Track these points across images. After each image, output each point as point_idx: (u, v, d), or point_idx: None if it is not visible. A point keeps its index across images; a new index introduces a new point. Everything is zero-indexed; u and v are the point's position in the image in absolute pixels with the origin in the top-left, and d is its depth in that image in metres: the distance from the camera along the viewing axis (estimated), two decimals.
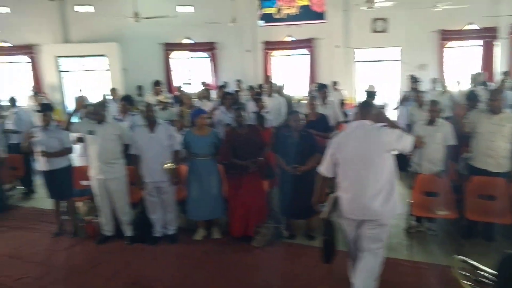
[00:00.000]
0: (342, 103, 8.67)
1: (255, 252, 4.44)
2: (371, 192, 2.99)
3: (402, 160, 4.76)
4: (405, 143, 3.06)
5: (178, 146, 4.60)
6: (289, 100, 8.17)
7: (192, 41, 12.68)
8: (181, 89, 10.80)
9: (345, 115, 7.43)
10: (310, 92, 8.57)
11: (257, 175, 4.65)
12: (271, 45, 12.45)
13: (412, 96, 6.62)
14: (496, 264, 2.01)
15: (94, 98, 8.94)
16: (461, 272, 2.23)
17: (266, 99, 7.23)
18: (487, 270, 2.12)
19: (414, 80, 8.02)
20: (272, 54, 12.67)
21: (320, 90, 6.66)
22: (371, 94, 7.55)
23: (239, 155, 4.57)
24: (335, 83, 10.11)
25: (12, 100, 6.91)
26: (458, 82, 8.60)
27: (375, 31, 11.60)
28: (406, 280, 3.87)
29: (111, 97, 7.77)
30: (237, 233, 4.64)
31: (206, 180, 4.61)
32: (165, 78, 12.48)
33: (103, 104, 4.59)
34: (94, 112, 4.56)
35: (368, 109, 3.19)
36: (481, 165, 4.39)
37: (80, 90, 10.52)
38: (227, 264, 4.25)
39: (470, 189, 4.40)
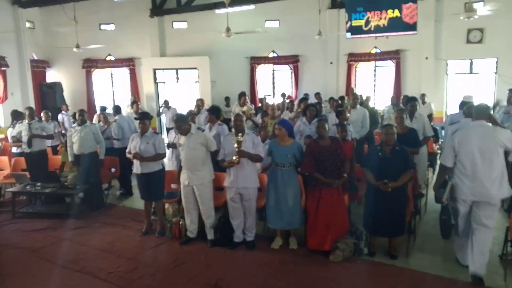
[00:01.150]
0: (431, 117, 8.20)
1: (332, 267, 4.36)
2: (490, 179, 3.72)
3: None
4: None
5: (263, 154, 4.72)
6: (373, 112, 7.95)
7: (277, 55, 12.98)
8: (265, 100, 11.09)
9: (434, 129, 7.01)
10: (397, 105, 8.25)
11: (338, 189, 4.59)
12: (355, 57, 12.28)
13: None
14: None
15: (183, 108, 9.63)
16: None
17: (348, 111, 7.13)
18: None
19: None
20: (356, 66, 12.46)
21: (408, 103, 6.39)
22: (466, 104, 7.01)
23: (320, 168, 4.56)
24: (423, 96, 9.59)
25: (117, 108, 7.64)
26: None
27: (470, 42, 10.82)
28: None
29: (197, 108, 8.22)
30: (314, 245, 4.62)
31: (285, 190, 4.67)
32: (250, 90, 12.93)
33: (184, 119, 4.87)
34: (177, 127, 4.86)
35: (485, 111, 3.92)
36: None
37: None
38: (304, 276, 4.23)
39: None
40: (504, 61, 10.63)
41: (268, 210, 4.81)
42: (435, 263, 4.38)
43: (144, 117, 5.31)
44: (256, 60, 13.14)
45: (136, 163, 5.21)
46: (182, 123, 4.78)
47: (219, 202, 5.12)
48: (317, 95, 10.68)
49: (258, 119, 7.36)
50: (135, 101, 9.87)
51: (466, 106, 5.48)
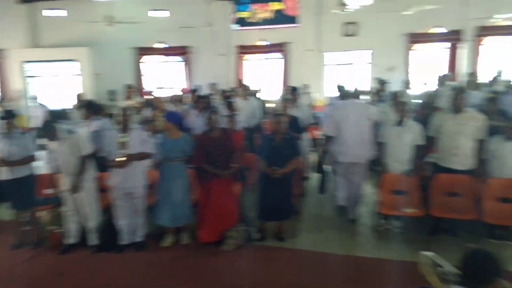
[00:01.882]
0: (312, 106, 8.77)
1: (225, 256, 4.39)
2: (359, 144, 4.79)
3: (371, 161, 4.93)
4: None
5: (152, 150, 4.50)
6: (263, 103, 8.19)
7: (167, 46, 12.58)
8: (153, 93, 10.67)
9: (315, 117, 7.50)
10: (282, 95, 8.64)
11: (228, 179, 4.61)
12: (244, 49, 12.47)
13: (388, 96, 6.74)
14: (460, 259, 2.04)
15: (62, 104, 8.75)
16: (427, 267, 2.27)
17: (239, 102, 7.23)
18: (450, 266, 2.18)
19: (381, 82, 8.25)
20: (245, 58, 12.69)
21: (291, 93, 6.70)
22: (341, 89, 7.68)
23: (211, 159, 4.53)
24: (305, 86, 10.19)
25: None
26: (425, 84, 8.84)
27: (346, 35, 11.77)
28: (372, 277, 3.91)
29: (78, 104, 7.54)
30: (205, 238, 4.58)
31: (174, 185, 4.54)
32: (136, 82, 12.30)
33: (48, 125, 4.40)
34: (41, 135, 4.42)
35: (357, 93, 5.26)
36: (446, 163, 4.49)
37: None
38: (196, 269, 4.18)
39: (435, 187, 4.50)
40: (377, 53, 11.62)
41: (158, 207, 4.62)
42: (320, 241, 4.69)
43: (7, 116, 4.69)
44: (142, 51, 12.50)
45: (2, 168, 4.58)
46: (46, 130, 4.35)
47: (103, 203, 4.75)
48: (213, 85, 10.63)
49: (148, 112, 7.04)
50: (2, 99, 8.68)
51: (341, 90, 6.32)
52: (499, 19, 10.21)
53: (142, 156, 4.42)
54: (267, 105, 8.46)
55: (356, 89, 5.36)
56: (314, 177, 6.36)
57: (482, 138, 4.39)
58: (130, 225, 4.62)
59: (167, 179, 4.54)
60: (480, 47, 10.64)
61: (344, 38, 11.79)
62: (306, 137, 6.19)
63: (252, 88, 8.48)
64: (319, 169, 6.00)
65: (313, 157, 6.57)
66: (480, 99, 6.15)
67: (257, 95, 8.72)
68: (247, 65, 12.84)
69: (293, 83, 10.96)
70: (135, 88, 10.84)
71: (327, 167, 5.78)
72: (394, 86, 8.81)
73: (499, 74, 8.20)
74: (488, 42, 10.67)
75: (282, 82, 12.15)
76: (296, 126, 5.52)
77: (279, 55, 12.38)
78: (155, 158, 4.59)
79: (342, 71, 12.25)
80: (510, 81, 7.55)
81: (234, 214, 4.66)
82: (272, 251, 4.52)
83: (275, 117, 4.63)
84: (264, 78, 12.70)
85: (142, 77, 12.68)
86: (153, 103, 7.18)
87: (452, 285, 2.00)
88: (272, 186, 4.47)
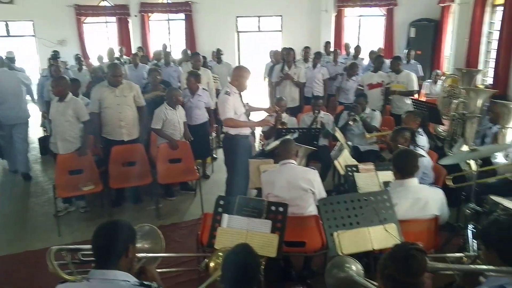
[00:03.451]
0: None
1: None
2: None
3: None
4: None
5: None
6: None
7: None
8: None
9: None
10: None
11: None
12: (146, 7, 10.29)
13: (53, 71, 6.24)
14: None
15: None
16: (60, 261, 1.92)
17: None
18: (87, 248, 1.95)
19: (54, 56, 7.80)
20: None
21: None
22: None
23: None
24: None
25: None
26: (100, 58, 8.81)
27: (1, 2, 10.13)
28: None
29: None
30: None
31: None
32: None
33: None
34: None
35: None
36: (116, 136, 4.59)
37: None
38: None
39: (111, 159, 4.57)
40: (41, 24, 10.61)
41: None
42: None
43: None
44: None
45: None
46: None
47: None
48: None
49: None
50: None
51: None
52: None
53: None
54: None
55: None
56: None
57: (141, 105, 4.68)
58: None
59: None
60: (148, 22, 11.33)
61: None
62: None
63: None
64: None
65: None
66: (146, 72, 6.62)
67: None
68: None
69: None
70: None
71: None
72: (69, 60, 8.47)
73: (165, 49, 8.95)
74: (154, 17, 11.52)
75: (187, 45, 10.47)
76: None
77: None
78: None
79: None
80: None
81: None
82: None
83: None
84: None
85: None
86: None
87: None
88: None
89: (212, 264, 2.21)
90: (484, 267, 1.77)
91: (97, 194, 4.56)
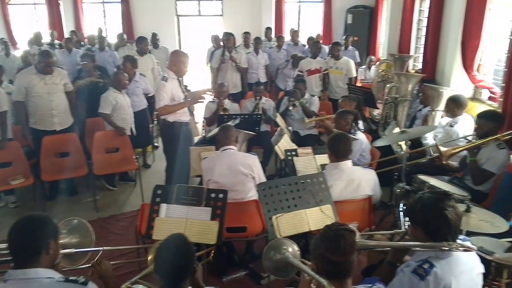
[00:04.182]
0: None
1: None
2: None
3: None
4: None
5: None
6: None
7: None
8: None
9: None
10: None
11: None
12: None
13: None
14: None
15: None
16: None
17: None
18: (3, 247, 1.84)
19: None
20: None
21: None
22: None
23: None
24: None
25: None
26: (31, 42, 8.14)
27: None
28: None
29: None
30: None
31: None
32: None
33: None
34: None
35: None
36: (47, 126, 4.32)
37: None
38: None
39: (42, 151, 4.29)
40: None
41: None
42: None
43: None
44: None
45: None
46: None
47: None
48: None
49: None
50: None
51: None
52: None
53: None
54: None
55: None
56: None
57: (69, 90, 4.46)
58: None
59: None
60: (82, 4, 10.60)
61: None
62: None
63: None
64: None
65: None
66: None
67: None
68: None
69: None
70: None
71: None
72: None
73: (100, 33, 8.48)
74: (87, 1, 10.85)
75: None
76: None
77: None
78: None
79: None
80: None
81: None
82: None
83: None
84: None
85: None
86: None
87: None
88: None
89: (150, 257, 2.16)
90: (411, 243, 1.88)
91: (28, 187, 4.30)
